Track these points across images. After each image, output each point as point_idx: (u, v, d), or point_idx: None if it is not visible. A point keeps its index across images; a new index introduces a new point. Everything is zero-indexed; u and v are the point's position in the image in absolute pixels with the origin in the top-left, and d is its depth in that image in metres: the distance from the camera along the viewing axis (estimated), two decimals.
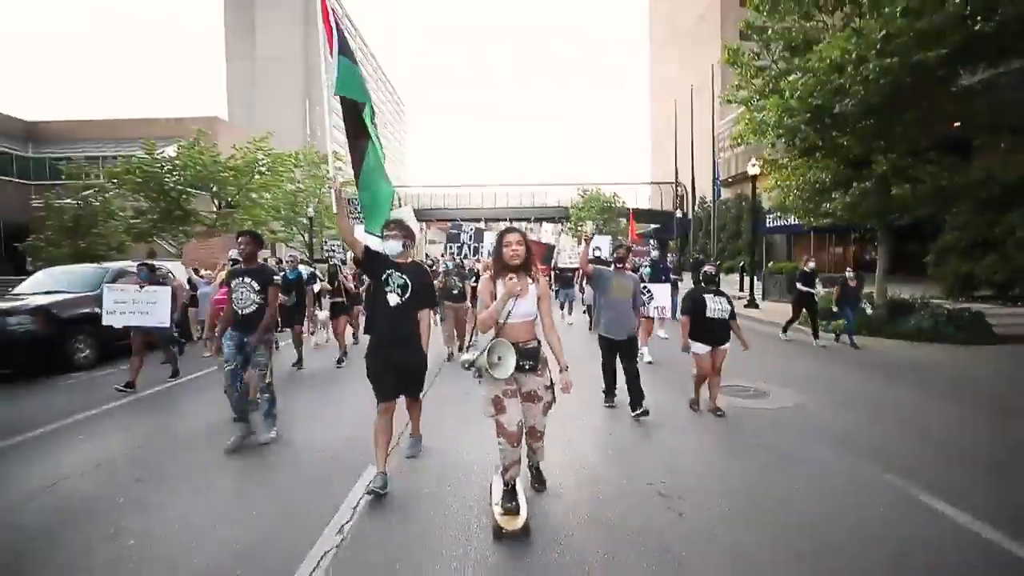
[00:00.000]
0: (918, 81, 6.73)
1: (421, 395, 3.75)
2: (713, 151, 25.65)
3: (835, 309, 8.41)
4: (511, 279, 2.68)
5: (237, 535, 2.71)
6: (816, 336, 8.51)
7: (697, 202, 33.89)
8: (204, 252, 9.45)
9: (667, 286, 8.18)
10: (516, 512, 2.70)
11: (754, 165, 11.76)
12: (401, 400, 3.55)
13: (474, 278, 8.34)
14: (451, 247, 10.88)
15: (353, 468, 3.53)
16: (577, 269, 9.34)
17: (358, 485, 3.27)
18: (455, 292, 7.53)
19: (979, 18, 6.14)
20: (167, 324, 6.07)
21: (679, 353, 4.90)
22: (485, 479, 3.30)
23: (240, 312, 4.01)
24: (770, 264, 19.29)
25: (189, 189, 16.99)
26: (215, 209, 20.41)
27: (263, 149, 19.28)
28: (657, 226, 37.10)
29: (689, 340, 4.69)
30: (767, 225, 23.12)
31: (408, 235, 3.45)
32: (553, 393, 2.90)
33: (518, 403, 2.77)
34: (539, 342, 2.87)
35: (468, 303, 7.73)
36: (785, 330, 9.06)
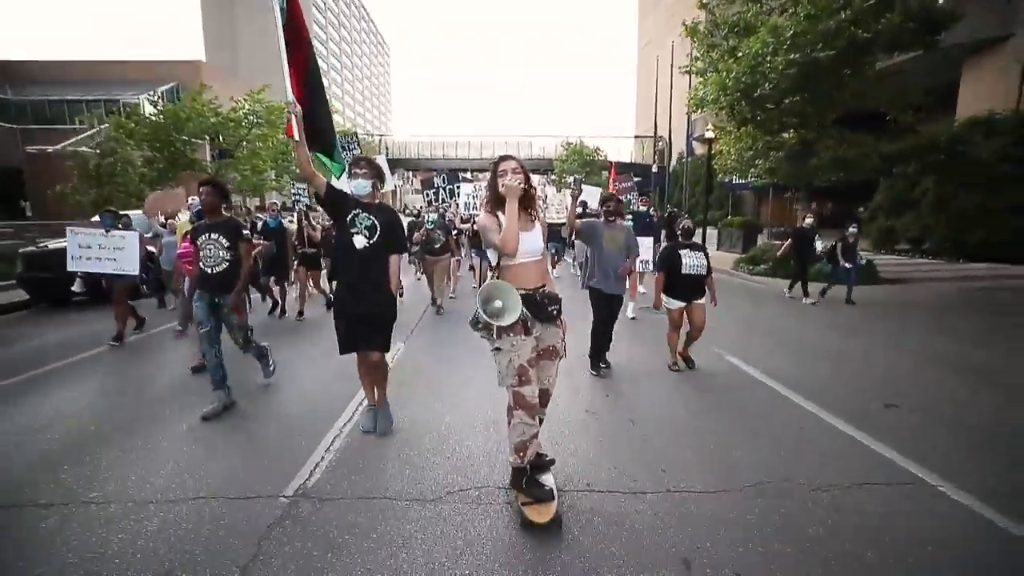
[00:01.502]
0: (817, 72, 8.42)
1: (389, 353, 3.45)
2: (688, 109, 26.88)
3: (845, 263, 8.20)
4: (510, 182, 2.37)
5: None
6: (806, 294, 8.40)
7: (675, 158, 35.28)
8: (168, 201, 8.92)
9: (649, 239, 8.22)
10: (547, 499, 2.36)
11: (709, 130, 13.40)
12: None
13: (456, 231, 8.30)
14: (428, 194, 10.74)
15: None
16: (563, 224, 9.15)
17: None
18: (437, 246, 7.49)
19: (860, 30, 7.81)
20: (135, 271, 5.88)
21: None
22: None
23: (210, 271, 3.69)
24: (728, 218, 21.19)
25: (194, 140, 18.01)
26: (210, 158, 21.38)
27: (260, 101, 20.10)
28: (638, 179, 38.54)
29: (663, 296, 4.70)
30: (733, 182, 24.92)
31: (377, 174, 3.27)
32: (564, 345, 2.59)
33: (541, 371, 2.50)
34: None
35: (451, 255, 7.75)
36: (801, 289, 8.58)
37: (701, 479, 2.76)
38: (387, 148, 43.45)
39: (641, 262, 7.14)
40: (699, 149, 32.10)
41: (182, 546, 2.22)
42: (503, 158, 2.52)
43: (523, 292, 2.39)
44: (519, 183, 2.37)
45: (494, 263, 2.53)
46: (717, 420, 3.62)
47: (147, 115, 17.97)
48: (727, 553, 2.17)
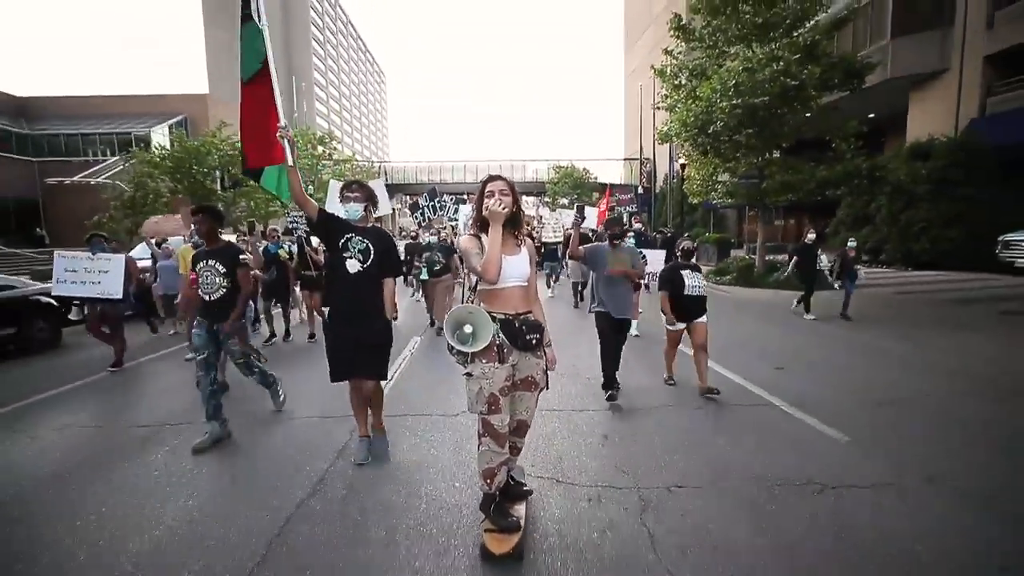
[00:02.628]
0: (757, 113, 10.00)
1: (384, 379, 3.38)
2: (658, 142, 28.77)
3: (838, 285, 8.34)
4: (494, 205, 2.28)
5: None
6: (807, 310, 8.39)
7: (661, 178, 37.10)
8: (166, 225, 8.71)
9: (662, 252, 8.31)
10: (511, 529, 2.34)
11: (679, 157, 15.03)
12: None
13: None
14: (417, 217, 10.61)
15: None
16: (559, 243, 9.55)
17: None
18: (437, 268, 7.44)
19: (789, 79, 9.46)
20: (119, 295, 5.76)
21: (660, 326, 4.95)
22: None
23: (208, 298, 3.70)
24: (706, 235, 22.75)
25: (215, 172, 19.60)
26: (219, 188, 22.91)
27: None
28: (630, 198, 40.40)
29: (664, 314, 4.68)
30: (713, 202, 26.64)
31: (370, 198, 3.23)
32: (547, 378, 2.52)
33: (517, 401, 2.45)
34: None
35: (452, 276, 7.66)
36: (801, 304, 8.66)
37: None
38: (386, 173, 45.05)
39: (649, 274, 7.20)
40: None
41: None
42: (491, 178, 2.46)
43: (503, 317, 2.34)
44: (504, 207, 2.29)
45: (474, 287, 2.44)
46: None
47: (165, 149, 19.47)
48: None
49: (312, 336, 7.21)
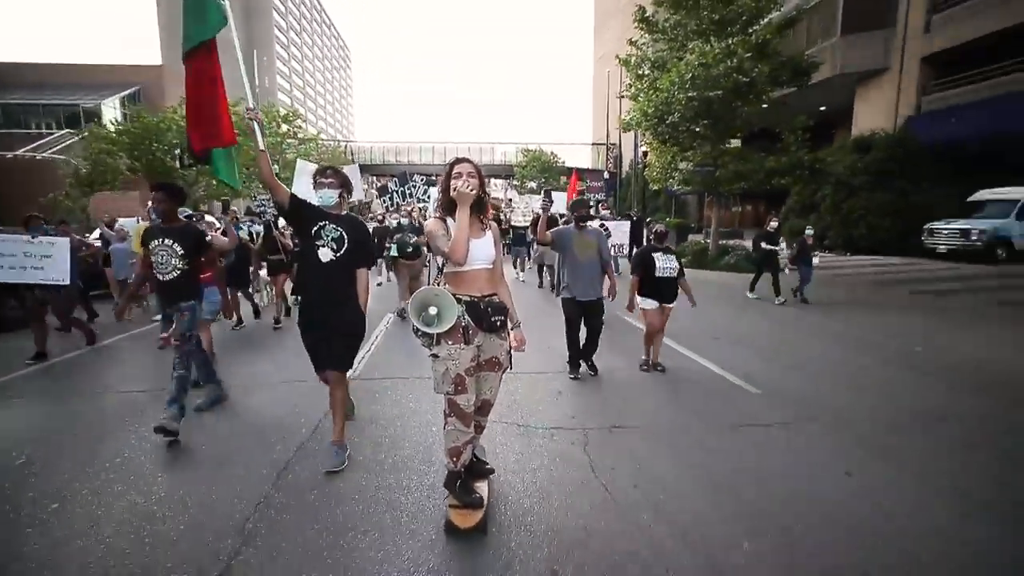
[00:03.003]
0: (712, 105, 10.69)
1: (351, 371, 3.37)
2: (620, 130, 29.54)
3: (790, 268, 8.73)
4: (463, 187, 2.30)
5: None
6: (777, 293, 8.58)
7: (627, 164, 37.98)
8: (118, 203, 8.16)
9: (627, 223, 8.87)
10: (474, 505, 2.44)
11: (641, 145, 15.69)
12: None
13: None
14: (384, 201, 10.52)
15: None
16: (528, 227, 9.80)
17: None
18: (409, 250, 7.40)
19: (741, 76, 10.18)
20: (66, 280, 5.38)
21: (622, 310, 5.04)
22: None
23: (162, 278, 3.53)
24: (667, 220, 23.65)
25: (175, 149, 19.09)
26: (179, 166, 22.30)
27: (237, 113, 21.22)
28: (600, 185, 41.28)
29: (638, 297, 4.81)
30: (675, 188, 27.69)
31: (344, 184, 3.14)
32: (510, 358, 2.60)
33: (482, 381, 2.50)
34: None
35: (423, 258, 7.63)
36: (752, 289, 9.06)
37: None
38: (352, 153, 44.20)
39: (615, 246, 7.36)
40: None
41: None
42: (458, 160, 2.44)
43: (468, 299, 2.38)
44: (472, 188, 2.31)
45: (442, 268, 2.48)
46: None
47: (121, 124, 18.83)
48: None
49: (277, 322, 6.92)
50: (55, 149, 27.44)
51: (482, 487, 2.60)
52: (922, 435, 3.54)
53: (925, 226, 13.97)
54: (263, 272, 7.87)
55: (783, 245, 8.87)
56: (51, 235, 5.68)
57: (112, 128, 18.47)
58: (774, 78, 11.00)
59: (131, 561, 2.25)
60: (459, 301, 2.35)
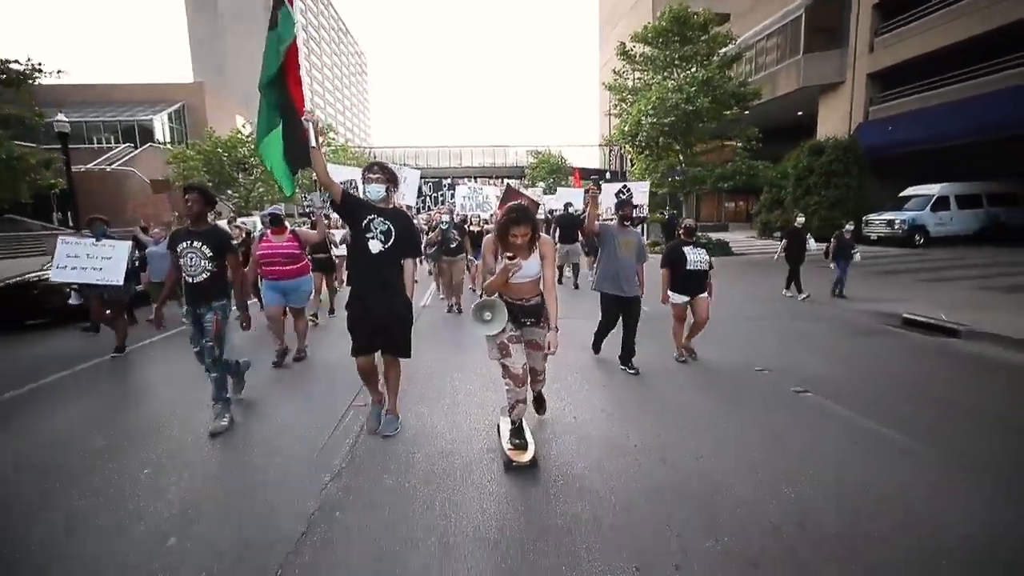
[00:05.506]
0: (672, 127, 13.83)
1: (407, 356, 3.43)
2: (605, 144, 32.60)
3: (832, 264, 8.45)
4: (509, 257, 2.68)
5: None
6: (800, 291, 8.50)
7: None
8: (156, 207, 8.09)
9: (646, 183, 10.35)
10: (525, 447, 3.04)
11: (623, 152, 18.80)
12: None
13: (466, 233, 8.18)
14: (417, 202, 10.91)
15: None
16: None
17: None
18: (452, 246, 7.58)
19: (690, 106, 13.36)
20: (119, 281, 5.68)
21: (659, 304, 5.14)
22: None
23: (191, 279, 3.55)
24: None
25: (244, 163, 22.82)
26: (239, 177, 25.88)
27: None
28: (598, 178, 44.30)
29: (669, 292, 4.91)
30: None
31: (391, 179, 3.34)
32: (549, 342, 2.94)
33: (522, 348, 3.00)
34: (541, 297, 2.99)
35: (465, 256, 7.87)
36: (787, 286, 8.81)
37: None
38: (374, 158, 47.50)
39: (637, 206, 8.10)
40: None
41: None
42: (518, 219, 2.71)
43: (508, 300, 2.97)
44: (516, 269, 2.72)
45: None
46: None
47: (198, 143, 22.41)
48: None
49: (315, 318, 7.14)
50: (121, 161, 31.33)
51: (528, 434, 3.19)
52: None
53: (864, 217, 16.83)
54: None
55: (812, 243, 8.70)
56: (112, 238, 5.98)
57: (197, 146, 22.01)
58: (719, 106, 14.04)
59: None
60: (504, 302, 2.96)
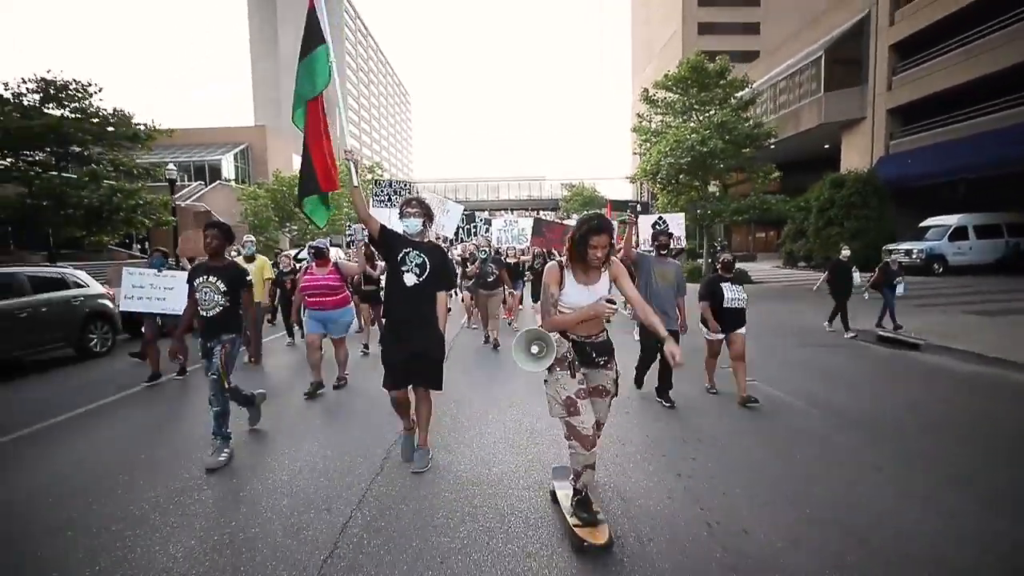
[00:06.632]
0: (690, 165, 15.17)
1: (439, 389, 3.43)
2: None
3: (870, 293, 8.27)
4: (604, 303, 2.37)
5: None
6: (847, 328, 8.12)
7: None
8: (197, 242, 8.24)
9: (681, 215, 9.74)
10: (596, 523, 2.51)
11: (652, 188, 20.14)
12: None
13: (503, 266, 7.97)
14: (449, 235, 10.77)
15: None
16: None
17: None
18: (490, 279, 7.54)
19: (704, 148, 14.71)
20: (181, 311, 5.42)
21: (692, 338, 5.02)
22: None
23: (206, 314, 3.65)
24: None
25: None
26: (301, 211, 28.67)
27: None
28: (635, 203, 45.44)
29: (704, 327, 4.82)
30: None
31: (427, 214, 3.37)
32: (617, 386, 2.69)
33: (590, 403, 2.55)
34: (607, 333, 2.67)
35: (502, 289, 7.81)
36: (830, 321, 8.52)
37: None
38: (418, 192, 50.51)
39: (675, 236, 7.90)
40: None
41: None
42: (597, 228, 2.41)
43: (575, 339, 2.56)
44: (611, 311, 2.38)
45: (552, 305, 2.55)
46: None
47: (267, 183, 25.38)
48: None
49: (367, 348, 7.34)
50: (194, 198, 35.03)
51: (596, 505, 2.66)
52: None
53: (884, 247, 17.42)
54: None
55: (858, 276, 8.29)
56: (173, 269, 6.31)
57: (267, 186, 24.96)
58: (738, 145, 15.32)
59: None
60: (567, 339, 2.55)
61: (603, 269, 2.55)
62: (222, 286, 3.67)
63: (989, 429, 4.22)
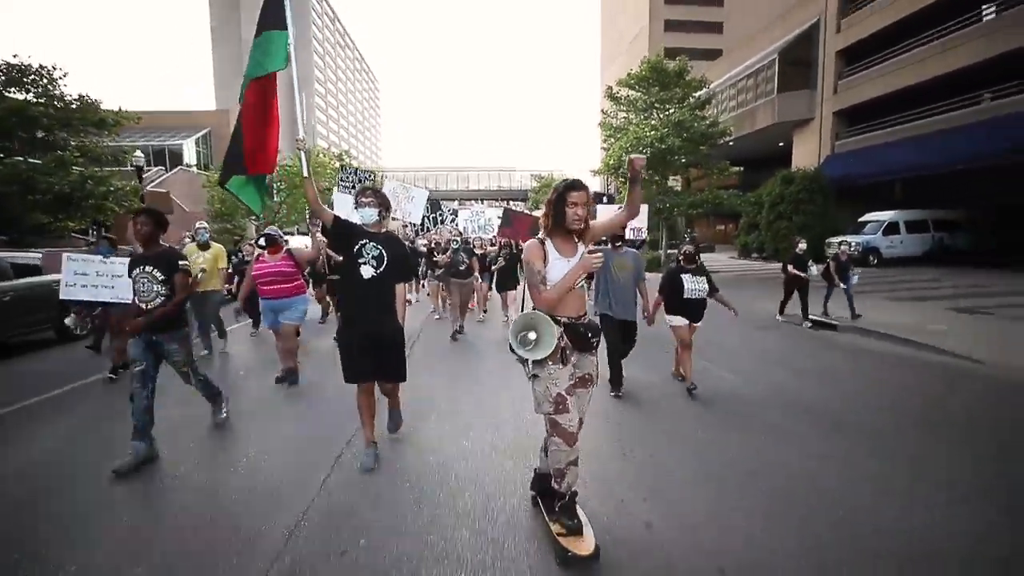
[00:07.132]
0: (651, 161, 16.03)
1: (403, 380, 3.44)
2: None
3: (841, 286, 8.62)
4: (591, 252, 2.32)
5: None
6: (805, 317, 8.44)
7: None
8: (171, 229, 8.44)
9: (644, 207, 9.94)
10: (580, 531, 2.35)
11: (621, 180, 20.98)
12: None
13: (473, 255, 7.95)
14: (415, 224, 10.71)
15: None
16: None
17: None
18: (462, 268, 7.51)
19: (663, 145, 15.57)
20: (129, 299, 5.07)
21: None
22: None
23: (145, 306, 3.48)
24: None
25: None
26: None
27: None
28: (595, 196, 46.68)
29: (668, 316, 4.90)
30: None
31: (384, 203, 3.28)
32: (598, 372, 2.58)
33: (577, 399, 2.46)
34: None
35: (475, 278, 7.78)
36: (781, 312, 8.94)
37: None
38: (383, 179, 50.28)
39: (633, 229, 8.82)
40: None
41: None
42: (573, 185, 2.36)
43: (566, 321, 2.40)
44: (599, 262, 2.33)
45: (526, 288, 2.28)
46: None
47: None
48: None
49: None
50: (155, 183, 33.99)
51: (579, 510, 2.49)
52: None
53: (827, 240, 18.75)
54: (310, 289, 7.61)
55: (813, 269, 8.48)
56: (119, 256, 5.97)
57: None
58: (692, 144, 16.30)
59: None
60: (557, 322, 2.37)
61: (579, 242, 2.46)
62: (159, 275, 3.51)
63: (920, 404, 4.74)
